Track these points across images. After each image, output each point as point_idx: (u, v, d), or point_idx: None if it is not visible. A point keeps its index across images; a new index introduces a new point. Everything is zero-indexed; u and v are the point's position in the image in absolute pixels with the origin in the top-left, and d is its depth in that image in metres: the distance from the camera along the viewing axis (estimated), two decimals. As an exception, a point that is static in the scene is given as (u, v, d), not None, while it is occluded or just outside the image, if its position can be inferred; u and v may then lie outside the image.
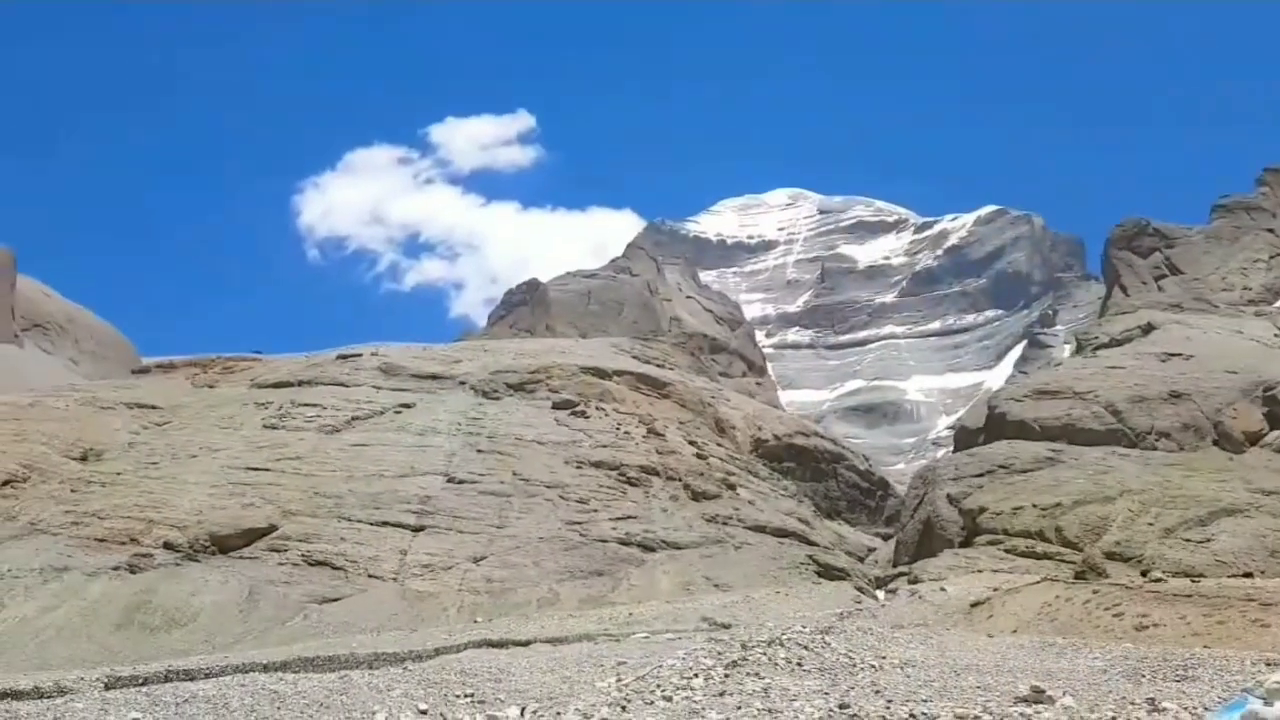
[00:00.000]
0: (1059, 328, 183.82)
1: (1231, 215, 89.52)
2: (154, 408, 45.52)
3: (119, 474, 36.67)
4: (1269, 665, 14.34)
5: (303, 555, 31.41)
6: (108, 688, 15.11)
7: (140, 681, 15.59)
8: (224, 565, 30.51)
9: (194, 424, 43.37)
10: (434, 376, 52.16)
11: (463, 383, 51.51)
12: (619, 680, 15.20)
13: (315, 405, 45.42)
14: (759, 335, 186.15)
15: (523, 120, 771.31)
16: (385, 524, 33.96)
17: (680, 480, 41.43)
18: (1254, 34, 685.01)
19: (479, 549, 33.32)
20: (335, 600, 29.29)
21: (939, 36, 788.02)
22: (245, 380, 52.13)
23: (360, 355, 55.72)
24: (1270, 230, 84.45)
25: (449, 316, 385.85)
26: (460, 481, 37.92)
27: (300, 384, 49.79)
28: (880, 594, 34.04)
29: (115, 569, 29.39)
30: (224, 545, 31.57)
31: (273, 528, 32.84)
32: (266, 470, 37.41)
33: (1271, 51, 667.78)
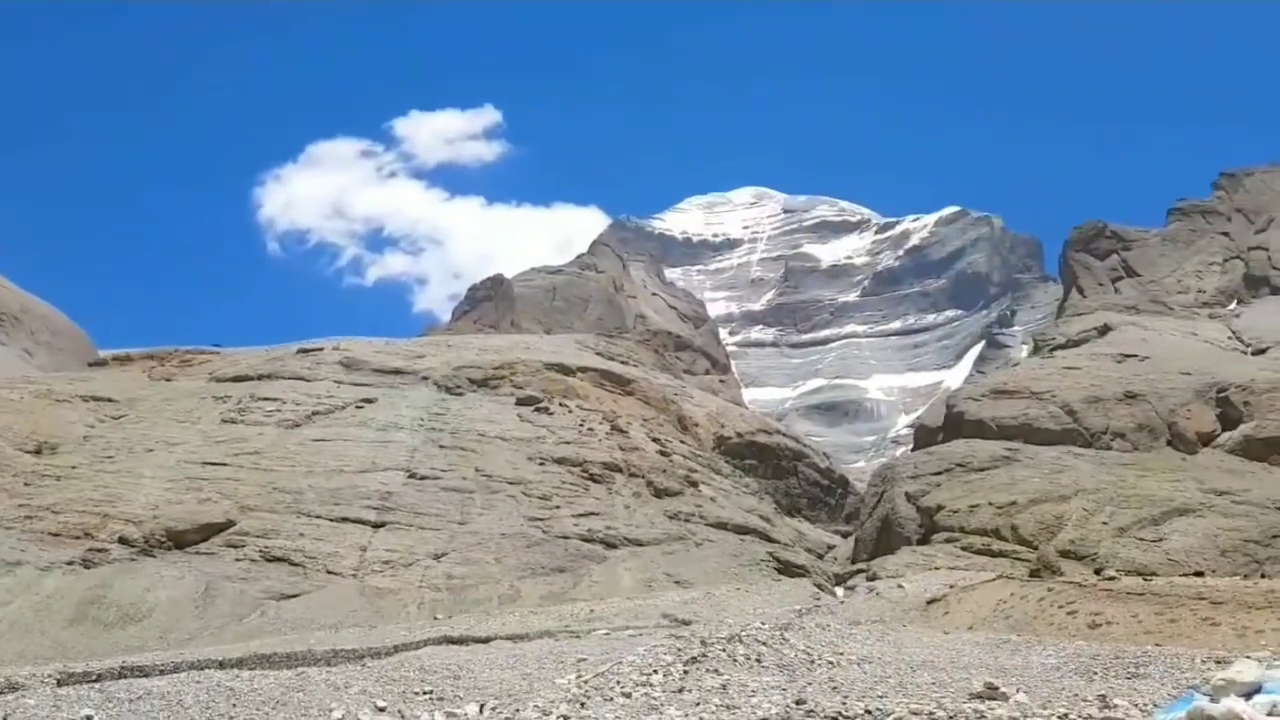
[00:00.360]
0: (1017, 328, 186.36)
1: (1187, 219, 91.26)
2: (110, 401, 44.82)
3: (74, 468, 36.09)
4: (1218, 663, 14.67)
5: (260, 551, 31.11)
6: (60, 684, 14.93)
7: (93, 678, 15.43)
8: (180, 561, 30.15)
9: (150, 418, 42.77)
10: (396, 371, 51.84)
11: (425, 378, 51.25)
12: (579, 677, 15.25)
13: (275, 400, 44.98)
14: (723, 333, 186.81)
15: (489, 115, 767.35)
16: (345, 520, 33.73)
17: (643, 477, 41.54)
18: (1212, 38, 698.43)
19: (440, 545, 33.19)
20: (293, 597, 29.06)
21: (903, 38, 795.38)
22: (203, 374, 51.48)
23: (321, 350, 55.23)
24: (1225, 234, 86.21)
25: (412, 312, 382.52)
26: (422, 477, 37.74)
27: (260, 378, 49.26)
28: (839, 591, 34.39)
29: (69, 564, 28.96)
30: (180, 540, 31.19)
31: (230, 523, 32.50)
32: (224, 465, 37.01)
33: (1229, 56, 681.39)
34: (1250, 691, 8.99)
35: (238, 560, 30.65)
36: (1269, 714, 8.48)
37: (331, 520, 33.56)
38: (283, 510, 33.78)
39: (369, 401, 46.05)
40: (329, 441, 40.38)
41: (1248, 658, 14.15)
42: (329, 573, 30.56)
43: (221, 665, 17.00)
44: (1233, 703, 8.71)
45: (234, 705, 13.27)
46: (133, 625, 26.31)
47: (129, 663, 17.19)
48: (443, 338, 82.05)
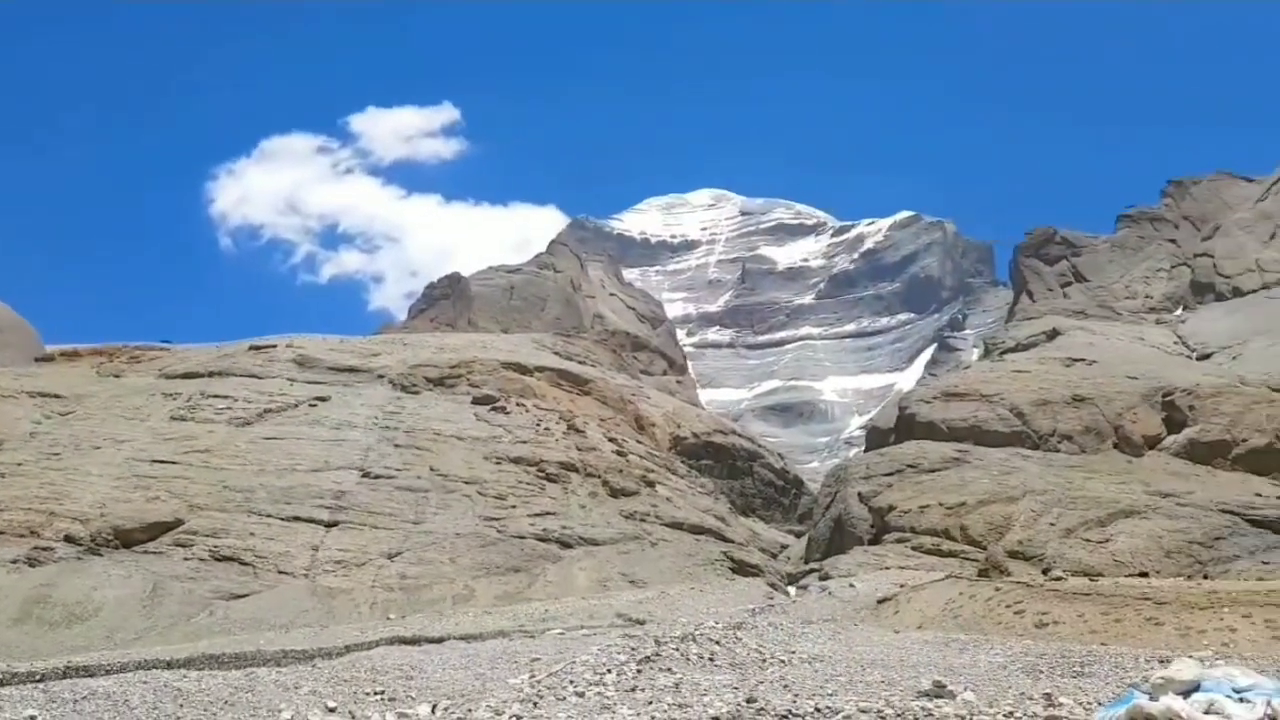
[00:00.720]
0: (968, 332, 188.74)
1: (1136, 225, 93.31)
2: (57, 397, 43.93)
3: (19, 464, 35.35)
4: (1162, 662, 15.04)
5: (210, 550, 30.71)
6: (2, 684, 14.65)
7: (37, 678, 15.16)
8: (127, 560, 29.67)
9: (98, 414, 42.01)
10: (351, 370, 51.38)
11: (381, 376, 50.85)
12: (532, 676, 15.26)
13: (226, 397, 44.38)
14: (680, 334, 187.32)
15: (447, 113, 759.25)
16: (297, 519, 33.39)
17: (599, 477, 41.57)
18: (1164, 45, 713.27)
19: (394, 545, 32.97)
20: (243, 596, 28.72)
21: (858, 41, 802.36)
22: (153, 370, 50.65)
23: (274, 347, 54.57)
24: (1173, 240, 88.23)
25: (367, 309, 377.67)
26: (376, 476, 37.46)
27: (210, 375, 48.58)
28: (792, 590, 34.70)
29: (13, 562, 28.40)
30: (127, 539, 30.70)
31: (179, 522, 32.04)
32: (173, 463, 36.47)
33: (1179, 63, 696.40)
34: (1189, 690, 9.17)
35: (186, 559, 30.23)
36: (1206, 712, 8.67)
37: (283, 519, 33.20)
38: (233, 509, 33.36)
39: (322, 400, 45.60)
40: (281, 440, 39.92)
41: (1189, 657, 14.52)
42: (280, 572, 30.23)
43: (169, 665, 16.77)
44: (1171, 701, 8.89)
45: (181, 706, 13.11)
46: (78, 625, 25.86)
47: (74, 663, 16.91)
48: (398, 336, 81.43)
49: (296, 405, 44.50)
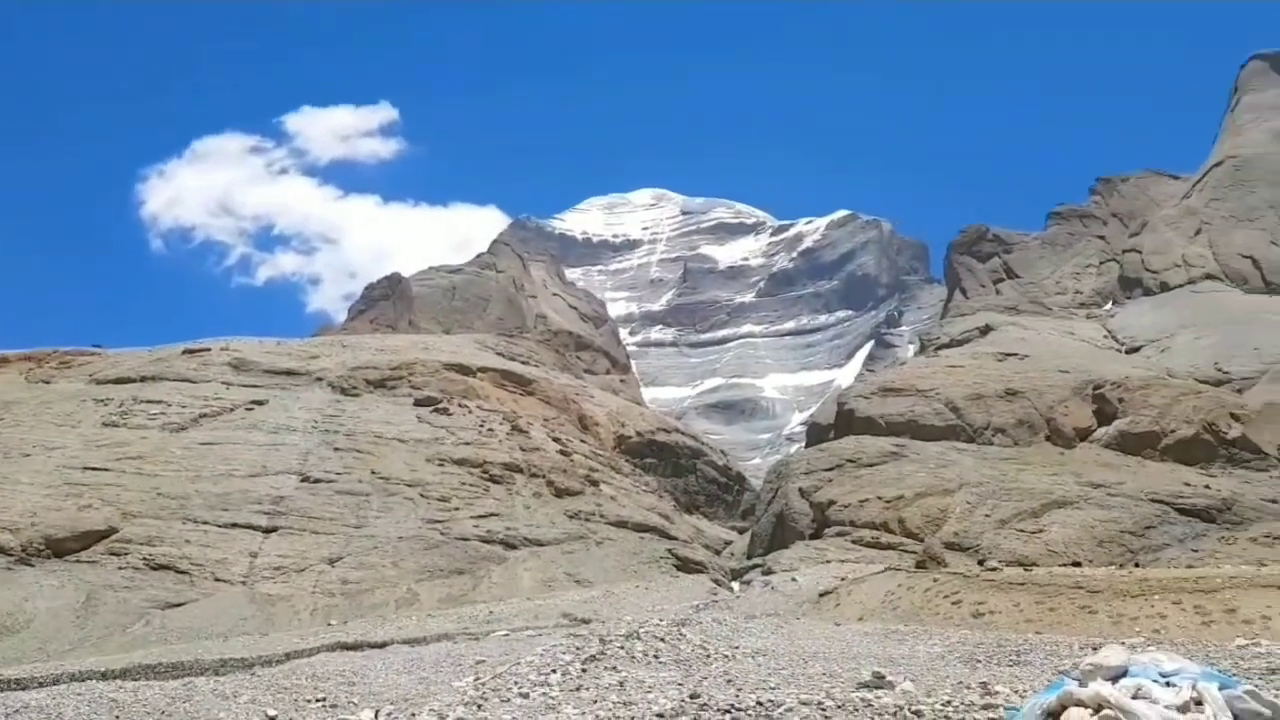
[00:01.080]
0: (904, 328, 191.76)
1: (1066, 222, 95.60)
2: (-21, 404, 42.62)
3: (-60, 475, 34.26)
4: (1095, 649, 15.48)
5: (144, 559, 30.08)
6: (-72, 702, 14.21)
7: (-35, 695, 14.73)
8: (59, 569, 28.95)
9: (28, 421, 40.85)
10: (289, 372, 50.58)
11: (320, 379, 50.14)
12: (477, 679, 15.21)
13: (159, 402, 43.44)
14: (623, 333, 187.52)
15: (385, 112, 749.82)
16: (234, 525, 32.85)
17: (543, 477, 41.49)
18: (1095, 45, 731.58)
19: (334, 550, 32.59)
20: (179, 605, 28.18)
21: (799, 38, 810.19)
22: (84, 375, 49.35)
23: (208, 350, 53.50)
24: (1101, 237, 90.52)
25: (305, 312, 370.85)
26: (315, 481, 36.97)
27: (143, 380, 47.48)
28: (735, 585, 35.01)
29: (-63, 576, 27.53)
30: (59, 548, 29.95)
31: (112, 530, 31.32)
32: (106, 470, 35.62)
33: (1109, 62, 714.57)
34: (1117, 675, 9.36)
35: (120, 568, 29.58)
36: (1134, 696, 8.88)
37: (219, 526, 32.64)
38: (168, 516, 32.71)
39: (259, 403, 44.85)
40: (217, 445, 39.21)
41: (1120, 644, 14.93)
42: (217, 580, 29.73)
43: (104, 676, 16.43)
44: (1100, 686, 9.10)
45: (116, 717, 12.86)
46: (9, 637, 25.19)
47: (6, 675, 16.49)
48: (337, 338, 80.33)
49: (232, 409, 43.72)
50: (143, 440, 38.93)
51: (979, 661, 15.89)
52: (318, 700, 14.19)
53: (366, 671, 16.63)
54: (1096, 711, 8.71)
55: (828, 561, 34.92)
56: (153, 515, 32.61)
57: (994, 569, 26.06)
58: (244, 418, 42.96)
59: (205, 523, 32.65)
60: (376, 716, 12.81)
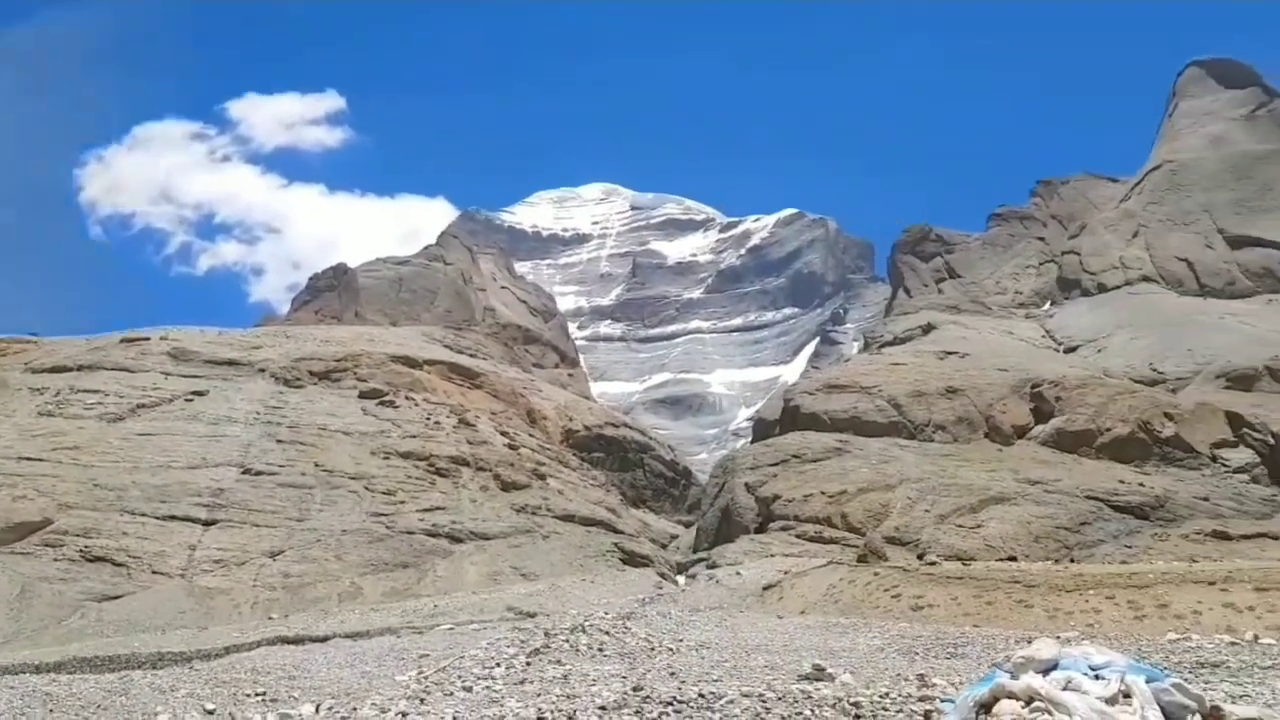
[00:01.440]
0: (849, 326, 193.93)
1: (1006, 224, 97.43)
2: (-95, 393, 41.36)
3: None
4: (1030, 642, 15.84)
5: (81, 550, 29.44)
6: None
7: (-107, 689, 14.32)
8: (-11, 563, 28.21)
9: (-46, 411, 39.71)
10: (230, 363, 49.75)
11: (262, 370, 49.37)
12: (420, 673, 15.15)
13: (96, 392, 42.49)
14: (572, 327, 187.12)
15: (331, 100, 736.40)
16: (173, 518, 32.28)
17: (491, 471, 41.33)
18: (1029, 53, 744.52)
19: (276, 543, 32.18)
20: (116, 598, 27.65)
21: (745, 37, 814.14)
22: (19, 364, 48.06)
23: (147, 339, 52.40)
24: (1041, 239, 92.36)
25: (248, 302, 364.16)
26: (257, 473, 36.44)
27: (80, 369, 46.37)
28: (681, 579, 35.22)
29: None
30: (-10, 541, 29.20)
31: (47, 521, 30.61)
32: (41, 460, 34.78)
33: (1051, 66, 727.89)
34: (1048, 668, 9.60)
35: (56, 560, 28.94)
36: (1064, 689, 9.11)
37: (158, 518, 32.06)
38: (104, 508, 32.04)
39: (200, 394, 44.06)
40: (155, 436, 38.46)
41: (1055, 637, 15.29)
42: (155, 573, 29.21)
43: (38, 670, 16.09)
44: (1031, 679, 9.32)
45: (51, 711, 12.60)
46: (-63, 632, 24.51)
47: (-69, 673, 16.03)
48: (281, 328, 79.09)
49: (172, 400, 42.92)
50: (79, 430, 38.08)
51: (917, 654, 16.19)
52: (257, 694, 14.04)
53: (307, 666, 16.48)
54: (1028, 704, 8.93)
55: (772, 555, 35.26)
56: (89, 506, 31.93)
57: (933, 563, 26.54)
58: (184, 408, 42.20)
59: (143, 515, 32.04)
60: (317, 710, 12.70)
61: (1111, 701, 8.73)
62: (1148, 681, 8.92)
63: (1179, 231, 79.83)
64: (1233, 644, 16.52)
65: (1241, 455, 41.92)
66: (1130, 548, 34.03)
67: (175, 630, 24.56)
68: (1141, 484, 38.98)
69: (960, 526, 35.96)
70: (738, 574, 31.09)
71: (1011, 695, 9.16)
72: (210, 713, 12.82)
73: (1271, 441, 42.55)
